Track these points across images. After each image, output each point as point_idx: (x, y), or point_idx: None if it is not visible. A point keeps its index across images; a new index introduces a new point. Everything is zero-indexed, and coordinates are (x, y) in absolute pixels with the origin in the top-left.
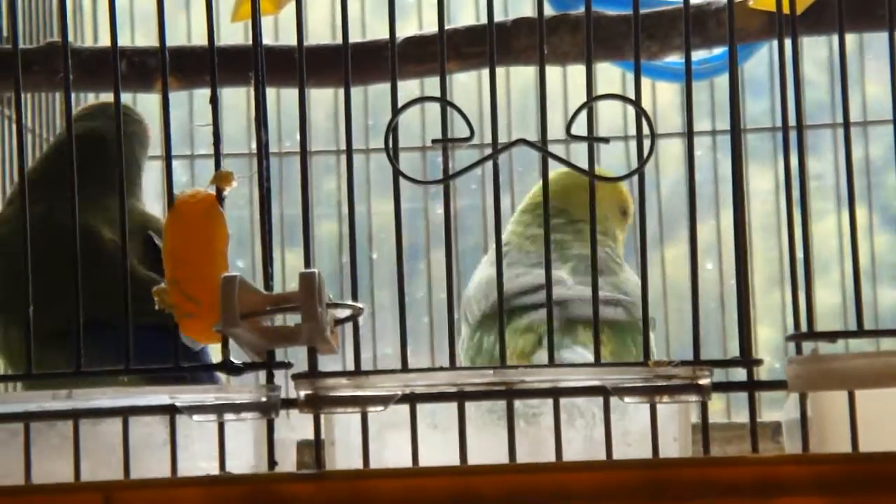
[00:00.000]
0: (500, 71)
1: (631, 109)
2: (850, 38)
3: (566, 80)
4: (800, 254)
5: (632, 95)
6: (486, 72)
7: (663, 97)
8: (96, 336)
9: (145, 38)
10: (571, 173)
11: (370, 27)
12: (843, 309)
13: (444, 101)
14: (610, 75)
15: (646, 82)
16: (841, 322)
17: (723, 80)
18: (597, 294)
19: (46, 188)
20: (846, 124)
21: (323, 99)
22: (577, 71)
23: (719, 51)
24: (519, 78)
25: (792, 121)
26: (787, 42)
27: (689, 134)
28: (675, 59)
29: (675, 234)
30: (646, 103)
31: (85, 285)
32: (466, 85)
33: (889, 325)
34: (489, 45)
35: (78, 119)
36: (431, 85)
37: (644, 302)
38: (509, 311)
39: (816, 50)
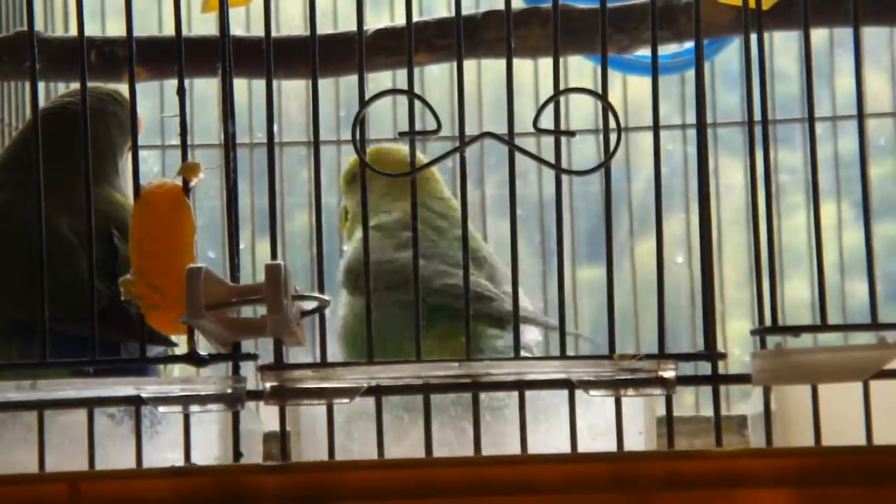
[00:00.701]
0: (471, 64)
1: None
2: (821, 33)
3: (538, 74)
4: (764, 251)
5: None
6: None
7: (635, 91)
8: (30, 336)
9: (117, 28)
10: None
11: (343, 18)
12: (815, 302)
13: (412, 94)
14: (582, 69)
15: (618, 76)
16: (812, 316)
17: (693, 75)
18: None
19: (10, 172)
20: (811, 119)
21: (296, 90)
22: (548, 64)
23: (690, 45)
24: (491, 72)
25: (759, 115)
26: (754, 36)
27: (655, 127)
28: (645, 52)
29: (647, 229)
30: (617, 97)
31: (33, 284)
32: (439, 78)
33: (859, 319)
34: (457, 37)
35: (55, 100)
36: (404, 77)
37: (610, 299)
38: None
39: (790, 43)
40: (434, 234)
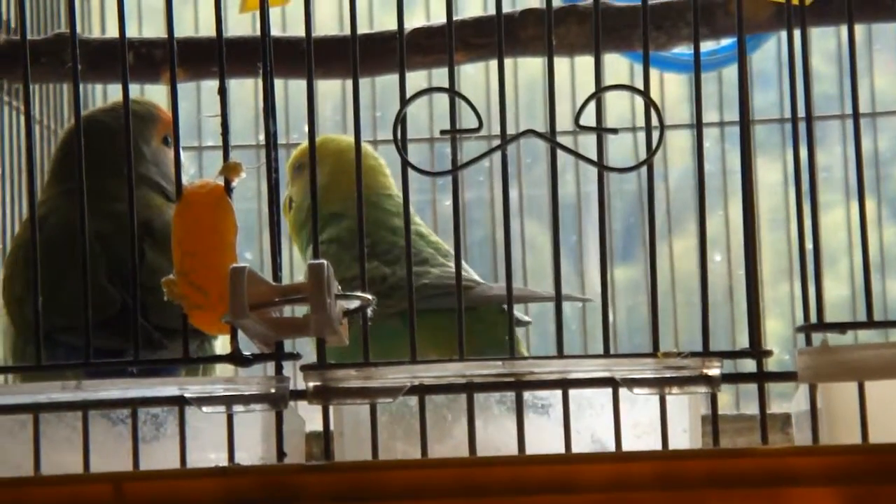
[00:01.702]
0: (506, 64)
1: (639, 101)
2: (859, 30)
3: (574, 73)
4: (809, 245)
5: (640, 87)
6: (492, 64)
7: (670, 90)
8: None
9: (153, 29)
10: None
11: (377, 19)
12: (852, 301)
13: (453, 92)
14: (617, 67)
15: (654, 74)
16: (849, 314)
17: (730, 73)
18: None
19: (58, 181)
20: (855, 114)
21: (330, 92)
22: (584, 64)
23: (727, 42)
24: (525, 72)
25: (801, 112)
26: (796, 32)
27: (698, 124)
28: (682, 50)
29: (684, 227)
30: (653, 95)
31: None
32: (473, 77)
33: None
34: (498, 34)
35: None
36: (438, 77)
37: (653, 296)
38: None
39: (824, 41)
40: (390, 234)
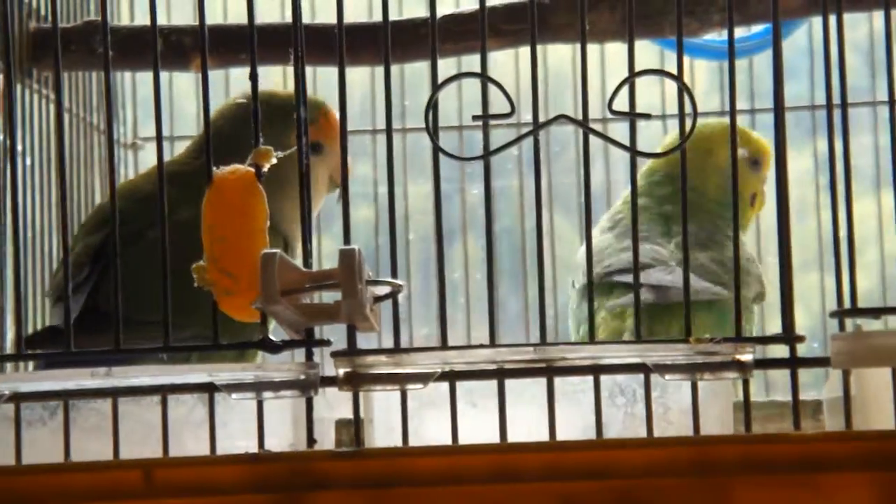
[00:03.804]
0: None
1: (669, 90)
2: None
3: (604, 61)
4: (842, 232)
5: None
6: (522, 51)
7: (700, 79)
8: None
9: (182, 16)
10: (699, 131)
11: (406, 6)
12: (882, 291)
13: (485, 77)
14: (647, 56)
15: (685, 61)
16: (879, 304)
17: (760, 64)
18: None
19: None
20: (891, 100)
21: (358, 80)
22: (614, 52)
23: (759, 28)
24: (554, 60)
25: (834, 98)
26: (831, 18)
27: (731, 108)
28: (713, 36)
29: None
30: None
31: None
32: (503, 65)
33: None
34: (531, 18)
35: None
36: (468, 65)
37: (686, 281)
38: (611, 286)
39: (854, 32)
40: None
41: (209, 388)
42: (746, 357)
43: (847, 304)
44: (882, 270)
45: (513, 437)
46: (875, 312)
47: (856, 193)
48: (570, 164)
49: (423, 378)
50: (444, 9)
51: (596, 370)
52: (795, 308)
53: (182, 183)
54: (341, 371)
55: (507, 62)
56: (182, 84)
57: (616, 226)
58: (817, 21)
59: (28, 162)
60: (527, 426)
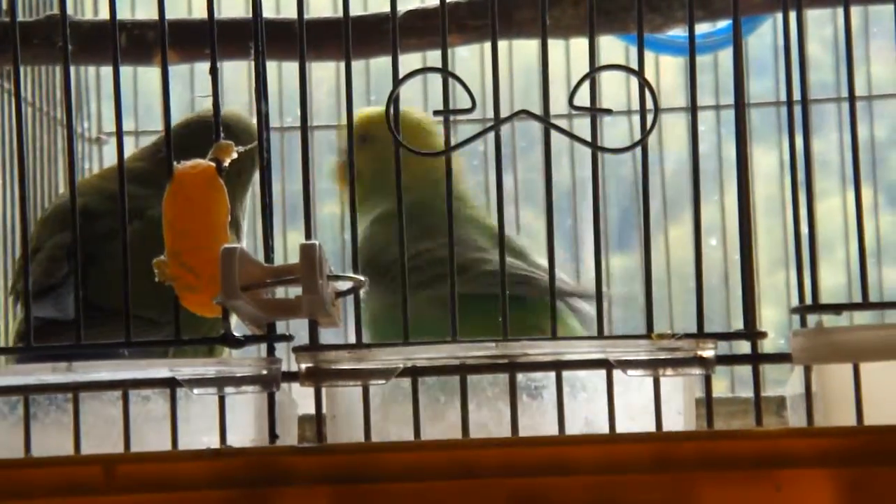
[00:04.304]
0: (501, 47)
1: (634, 87)
2: (856, 14)
3: (569, 58)
4: (805, 230)
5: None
6: (487, 47)
7: (667, 77)
8: None
9: (145, 11)
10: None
11: (371, 1)
12: (848, 289)
13: (446, 72)
14: (613, 53)
15: (650, 58)
16: (849, 298)
17: (725, 61)
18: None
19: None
20: (851, 98)
21: (324, 76)
22: (579, 50)
23: (723, 24)
24: (520, 58)
25: (797, 95)
26: (792, 14)
27: (693, 103)
28: (677, 32)
29: (679, 214)
30: (649, 79)
31: None
32: (467, 61)
33: None
34: (491, 14)
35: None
36: (432, 61)
37: (647, 276)
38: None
39: (821, 28)
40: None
41: (171, 383)
42: (708, 353)
43: (809, 300)
44: (848, 270)
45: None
46: (836, 308)
47: (823, 192)
48: (536, 162)
49: (386, 374)
50: (409, 4)
51: (558, 366)
52: (765, 305)
53: (146, 180)
54: (303, 366)
55: (473, 58)
56: (147, 79)
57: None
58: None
59: None
60: (488, 423)
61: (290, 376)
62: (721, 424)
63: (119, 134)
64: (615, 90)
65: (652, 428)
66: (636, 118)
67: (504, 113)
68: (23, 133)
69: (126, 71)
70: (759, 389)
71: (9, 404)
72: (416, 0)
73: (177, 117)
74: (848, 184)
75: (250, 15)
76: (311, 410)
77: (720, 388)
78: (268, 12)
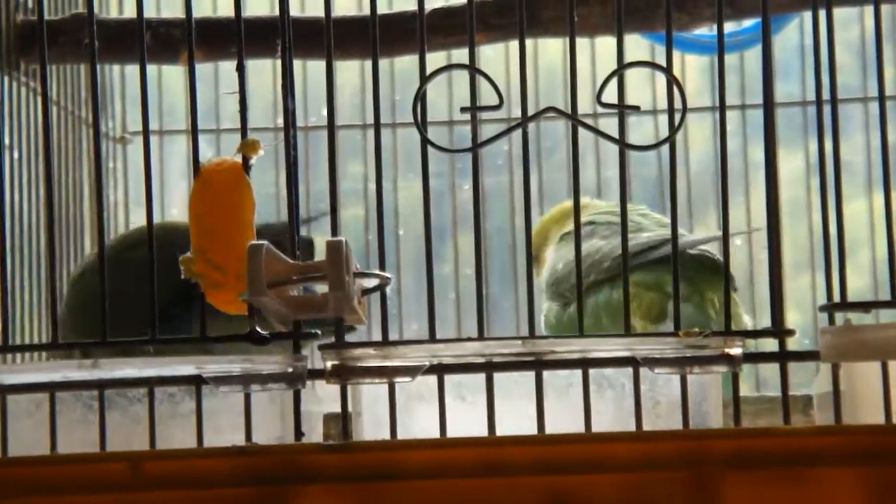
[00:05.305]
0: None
1: (660, 85)
2: (885, 16)
3: (594, 57)
4: (832, 230)
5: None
6: (512, 46)
7: (692, 78)
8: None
9: (171, 10)
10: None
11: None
12: (874, 292)
13: (473, 69)
14: (639, 53)
15: (676, 57)
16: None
17: (751, 62)
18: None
19: None
20: (881, 97)
21: (348, 78)
22: (605, 49)
23: (749, 23)
24: (546, 57)
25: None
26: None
27: (721, 101)
28: (703, 31)
29: (704, 214)
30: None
31: None
32: (492, 59)
33: None
34: (519, 11)
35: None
36: (457, 58)
37: (675, 275)
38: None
39: (846, 31)
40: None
41: (197, 381)
42: (736, 351)
43: (837, 299)
44: (874, 272)
45: (501, 431)
46: (864, 307)
47: (848, 195)
48: (561, 161)
49: (412, 371)
50: (434, 3)
51: (584, 364)
52: (788, 307)
53: None
54: (329, 364)
55: (498, 57)
56: (172, 78)
57: (592, 235)
58: (809, 18)
59: (16, 156)
60: (516, 420)
61: (316, 374)
62: (747, 422)
63: (146, 133)
64: (641, 91)
65: (678, 426)
66: (661, 120)
67: (529, 114)
68: (49, 132)
69: (150, 70)
70: (787, 388)
71: (34, 401)
72: None
73: (201, 117)
74: (874, 185)
75: (275, 13)
76: (335, 409)
77: (745, 389)
78: (293, 10)
